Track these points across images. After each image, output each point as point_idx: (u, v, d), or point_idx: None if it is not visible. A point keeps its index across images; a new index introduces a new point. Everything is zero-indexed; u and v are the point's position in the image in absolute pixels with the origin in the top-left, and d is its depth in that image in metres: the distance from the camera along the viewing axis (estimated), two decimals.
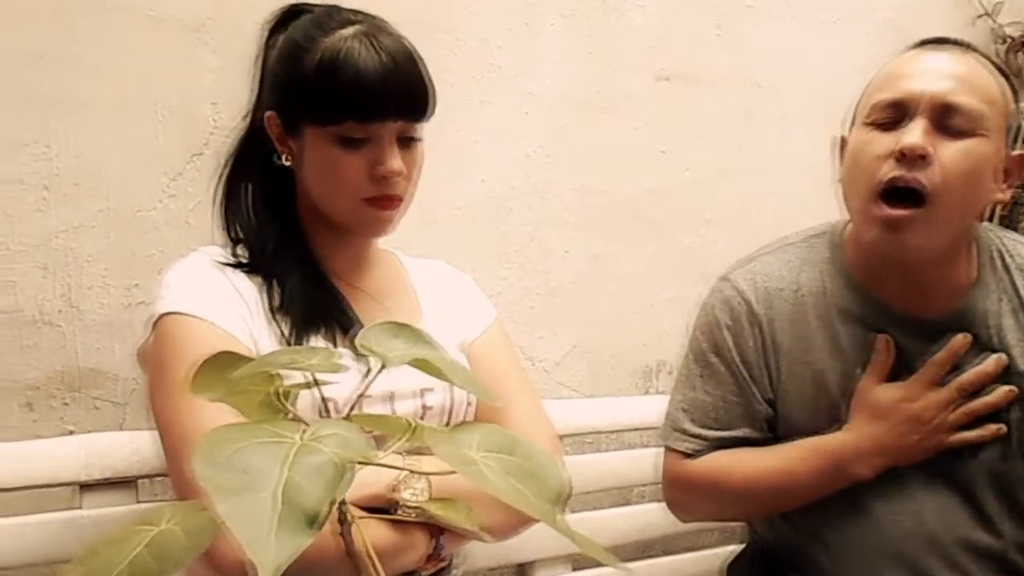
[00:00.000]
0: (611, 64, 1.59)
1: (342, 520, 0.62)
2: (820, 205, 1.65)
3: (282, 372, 0.64)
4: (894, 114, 1.04)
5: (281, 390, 0.65)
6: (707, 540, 1.64)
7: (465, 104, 1.47)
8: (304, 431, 0.56)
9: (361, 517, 0.67)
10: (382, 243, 1.22)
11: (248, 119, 1.10)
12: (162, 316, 0.98)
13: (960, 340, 1.09)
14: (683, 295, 1.68)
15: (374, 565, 0.59)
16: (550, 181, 1.55)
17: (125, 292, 1.26)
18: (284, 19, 1.10)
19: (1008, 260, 1.12)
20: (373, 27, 1.02)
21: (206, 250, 1.06)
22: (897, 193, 1.01)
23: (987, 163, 1.02)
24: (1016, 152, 1.08)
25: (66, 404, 1.24)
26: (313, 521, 0.50)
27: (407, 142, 1.03)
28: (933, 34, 1.97)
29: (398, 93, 0.99)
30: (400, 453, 0.92)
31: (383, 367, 0.63)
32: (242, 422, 0.60)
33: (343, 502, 0.61)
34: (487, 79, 1.48)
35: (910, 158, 1.00)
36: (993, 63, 1.08)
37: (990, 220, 1.89)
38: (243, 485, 0.50)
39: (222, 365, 0.65)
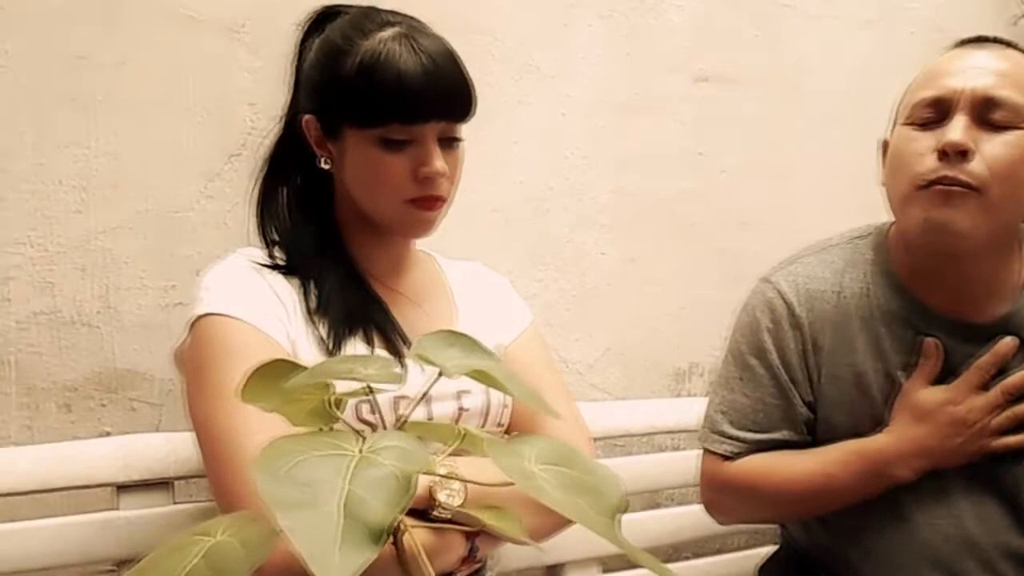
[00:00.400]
0: (649, 65, 1.57)
1: (396, 531, 0.61)
2: (857, 207, 1.63)
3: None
4: (935, 112, 1.04)
5: (333, 399, 0.65)
6: (737, 542, 1.63)
7: (503, 105, 1.46)
8: (363, 442, 0.55)
9: (413, 526, 0.66)
10: (420, 244, 1.21)
11: (283, 122, 1.10)
12: (200, 317, 0.98)
13: (1007, 343, 1.07)
14: (717, 297, 1.67)
15: (427, 570, 0.57)
16: (587, 183, 1.53)
17: (162, 293, 1.25)
18: (318, 21, 1.10)
19: None
20: (412, 28, 1.01)
21: (244, 252, 1.06)
22: (948, 184, 1.01)
23: None
24: None
25: (103, 405, 1.24)
26: (378, 536, 0.49)
27: (449, 142, 1.03)
28: (973, 34, 1.95)
29: (440, 94, 0.99)
30: (435, 455, 0.91)
31: (440, 375, 0.62)
32: (298, 433, 0.59)
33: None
34: (525, 80, 1.47)
35: (952, 155, 1.00)
36: None
37: None
38: (305, 499, 0.49)
39: (275, 373, 0.64)
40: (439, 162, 1.00)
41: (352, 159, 1.02)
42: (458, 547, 0.98)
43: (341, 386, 0.64)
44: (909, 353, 1.10)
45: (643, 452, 1.59)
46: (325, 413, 0.65)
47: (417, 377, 0.99)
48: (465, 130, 1.06)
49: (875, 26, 1.79)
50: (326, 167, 1.05)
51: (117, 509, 1.11)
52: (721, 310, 1.66)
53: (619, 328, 1.58)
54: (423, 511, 0.95)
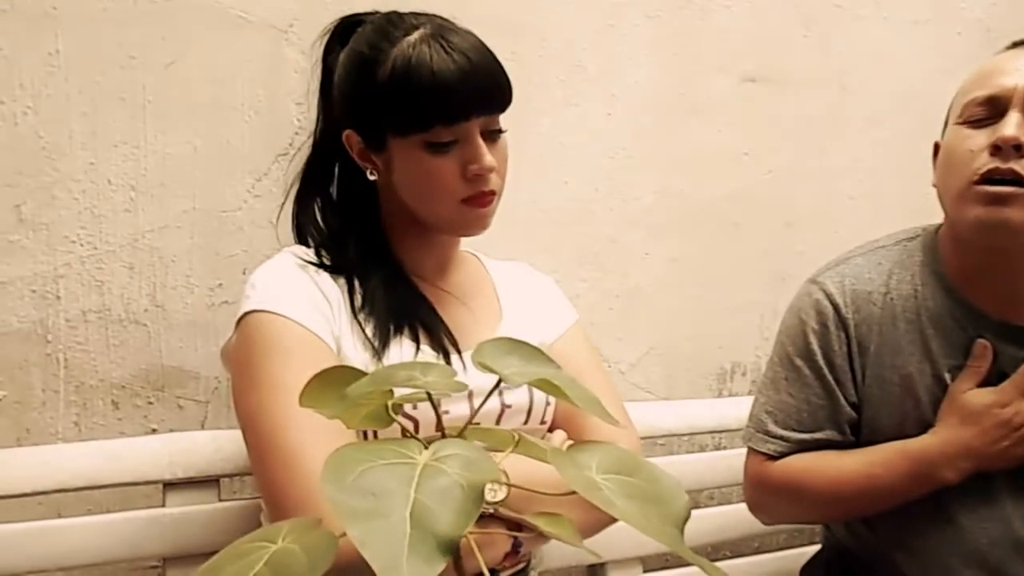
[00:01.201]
0: (696, 65, 1.55)
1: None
2: (905, 208, 1.61)
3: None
4: (989, 111, 1.04)
5: (391, 404, 0.64)
6: (777, 542, 1.62)
7: (550, 106, 1.45)
8: (427, 451, 0.55)
9: (472, 533, 0.65)
10: (465, 244, 1.21)
11: (314, 137, 1.11)
12: (247, 314, 0.99)
13: None
14: (760, 298, 1.65)
15: (480, 565, 0.57)
16: (632, 183, 1.52)
17: (209, 292, 1.26)
18: (338, 33, 1.10)
19: None
20: (438, 27, 1.00)
21: (291, 250, 1.07)
22: (996, 183, 1.01)
23: None
24: None
25: (150, 403, 1.25)
26: (447, 548, 0.49)
27: (492, 135, 1.02)
28: (1022, 33, 1.91)
29: (478, 89, 0.98)
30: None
31: (500, 382, 0.61)
32: (364, 442, 0.59)
33: None
34: (572, 80, 1.46)
35: (1005, 150, 1.00)
36: None
37: None
38: (374, 509, 0.49)
39: (334, 379, 0.64)
40: (488, 158, 1.00)
41: (400, 167, 1.02)
42: (502, 543, 0.99)
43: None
44: (958, 355, 1.10)
45: (685, 452, 1.59)
46: (379, 417, 0.65)
47: (460, 374, 0.99)
48: (512, 130, 1.06)
49: (924, 27, 1.76)
50: (373, 178, 1.05)
51: (163, 506, 1.12)
52: (765, 311, 1.65)
53: (662, 328, 1.57)
54: None
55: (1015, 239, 1.03)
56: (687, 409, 1.51)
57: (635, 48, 1.50)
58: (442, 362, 1.00)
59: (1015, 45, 1.09)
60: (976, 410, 1.06)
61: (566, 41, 1.45)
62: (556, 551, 1.33)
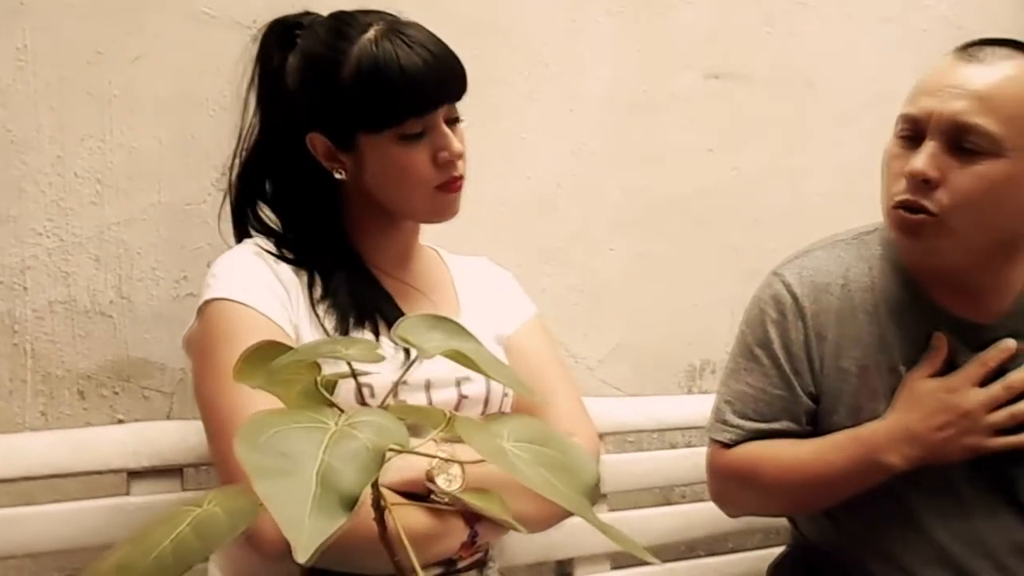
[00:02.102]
0: (659, 62, 1.57)
1: (377, 506, 0.62)
2: (872, 205, 1.62)
3: (325, 361, 0.65)
4: (913, 130, 1.03)
5: (321, 379, 0.66)
6: (751, 542, 1.62)
7: (512, 101, 1.47)
8: (341, 417, 0.57)
9: (395, 504, 0.67)
10: (427, 239, 1.23)
11: (249, 144, 1.12)
12: (207, 303, 1.02)
13: (1011, 344, 1.07)
14: (730, 295, 1.66)
15: (407, 550, 0.58)
16: (596, 179, 1.54)
17: (174, 284, 1.28)
18: (276, 35, 1.10)
19: None
20: (391, 23, 1.03)
21: (253, 240, 1.09)
22: (911, 208, 1.01)
23: (1009, 184, 0.99)
24: None
25: (116, 393, 1.27)
26: (349, 504, 0.51)
27: (454, 123, 1.06)
28: (992, 32, 1.92)
29: (443, 79, 1.02)
30: (436, 441, 0.93)
31: (417, 358, 0.63)
32: (282, 408, 0.61)
33: (378, 488, 0.61)
34: (534, 76, 1.48)
35: (915, 183, 1.00)
36: None
37: None
38: (282, 468, 0.51)
39: (265, 354, 0.67)
40: (456, 144, 1.04)
41: (373, 164, 1.05)
42: (458, 532, 1.01)
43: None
44: (914, 348, 1.10)
45: (655, 448, 1.60)
46: (316, 394, 0.67)
47: (418, 365, 1.01)
48: (474, 126, 1.10)
49: (890, 23, 1.78)
50: (340, 177, 1.07)
51: (128, 495, 1.14)
52: (735, 308, 1.66)
53: (629, 325, 1.59)
54: (423, 496, 0.97)
55: (933, 262, 1.06)
56: (656, 406, 1.53)
57: (598, 45, 1.52)
58: (401, 354, 1.02)
59: (964, 48, 1.06)
60: (921, 394, 1.07)
61: (528, 38, 1.47)
62: (522, 547, 1.35)
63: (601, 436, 1.43)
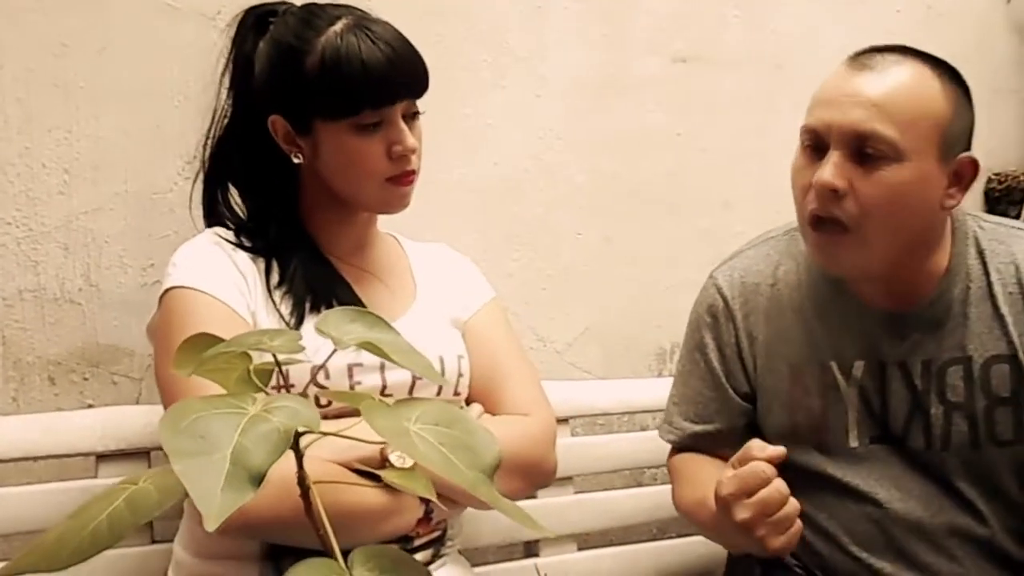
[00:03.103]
0: (625, 46, 1.58)
1: (302, 484, 0.64)
2: None
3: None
4: (815, 142, 1.04)
5: (253, 367, 0.69)
6: None
7: (477, 87, 1.48)
8: (259, 403, 0.59)
9: (327, 480, 0.69)
10: (392, 225, 1.25)
11: (221, 127, 1.15)
12: (167, 291, 1.05)
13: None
14: (699, 278, 1.66)
15: (326, 526, 0.61)
16: (562, 164, 1.56)
17: (141, 272, 1.30)
18: (251, 22, 1.14)
19: (984, 245, 1.11)
20: (360, 18, 1.07)
21: (212, 231, 1.12)
22: (823, 220, 1.02)
23: (911, 186, 1.00)
24: (963, 156, 1.04)
25: (86, 379, 1.29)
26: (258, 480, 0.54)
27: (412, 117, 1.10)
28: (964, 13, 1.92)
29: (403, 76, 1.06)
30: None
31: (335, 350, 0.66)
32: (209, 395, 0.64)
33: (302, 467, 0.64)
34: (499, 62, 1.49)
35: (823, 194, 1.01)
36: (934, 65, 1.04)
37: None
38: (200, 449, 0.55)
39: (199, 344, 0.70)
40: (411, 139, 1.08)
41: (327, 150, 1.08)
42: (413, 508, 1.04)
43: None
44: (842, 343, 1.12)
45: (625, 431, 1.62)
46: (246, 381, 0.70)
47: (349, 352, 1.04)
48: (438, 113, 1.13)
49: (861, 5, 1.78)
50: (298, 161, 1.10)
51: (96, 477, 1.17)
52: None
53: (598, 308, 1.60)
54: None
55: (851, 273, 1.07)
56: (625, 388, 1.54)
57: (563, 29, 1.53)
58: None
59: (853, 57, 1.06)
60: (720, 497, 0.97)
61: (493, 23, 1.48)
62: (491, 528, 1.37)
63: (568, 419, 1.46)
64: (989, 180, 1.93)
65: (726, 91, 1.68)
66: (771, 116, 1.72)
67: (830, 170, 1.00)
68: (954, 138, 1.03)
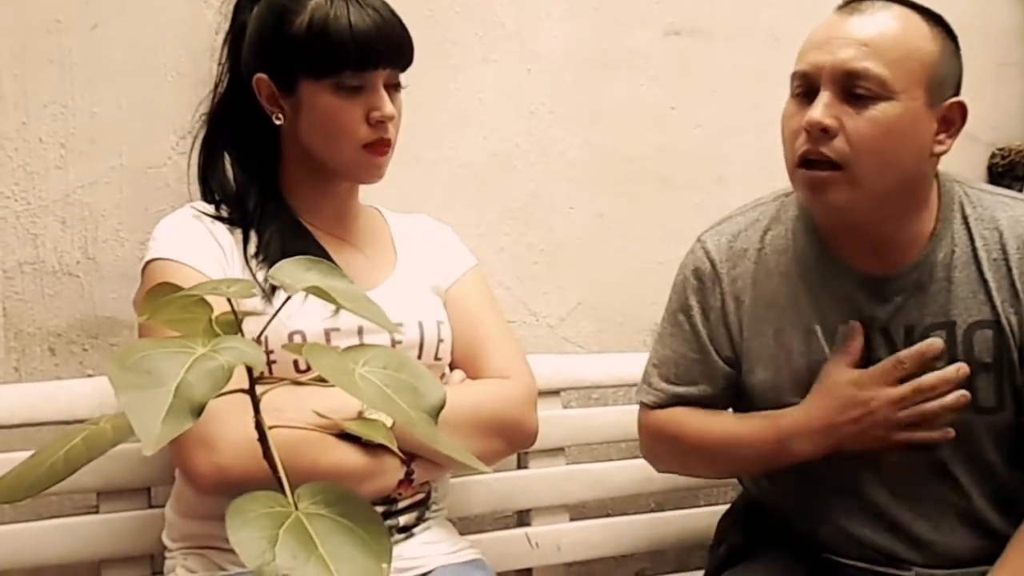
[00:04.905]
0: (617, 19, 1.59)
1: (259, 429, 0.66)
2: None
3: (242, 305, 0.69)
4: (806, 86, 1.05)
5: (215, 317, 0.71)
6: (714, 496, 1.65)
7: (467, 62, 1.49)
8: (209, 344, 0.61)
9: (285, 425, 0.72)
10: (377, 197, 1.27)
11: (222, 86, 1.19)
12: (148, 263, 1.09)
13: (932, 344, 1.07)
14: None
15: (279, 469, 0.63)
16: (554, 138, 1.56)
17: (138, 245, 1.32)
18: None
19: (969, 211, 1.12)
20: None
21: (192, 204, 1.16)
22: (814, 162, 1.03)
23: (901, 124, 1.02)
24: (952, 100, 1.06)
25: (85, 350, 1.32)
26: (197, 412, 0.56)
27: (394, 89, 1.12)
28: None
29: (387, 43, 1.09)
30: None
31: (289, 297, 0.67)
32: (160, 338, 0.66)
33: (259, 412, 0.66)
34: (489, 36, 1.50)
35: (814, 134, 1.02)
36: (922, 12, 1.06)
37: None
38: (145, 383, 0.57)
39: (163, 293, 0.72)
40: (389, 106, 1.10)
41: (308, 110, 1.11)
42: (394, 470, 1.06)
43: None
44: (825, 306, 1.13)
45: (621, 404, 1.62)
46: (209, 332, 0.72)
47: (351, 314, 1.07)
48: (428, 87, 1.16)
49: None
50: (279, 122, 1.13)
51: None
52: None
53: (590, 283, 1.61)
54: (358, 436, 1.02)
55: (842, 217, 1.07)
56: (617, 362, 1.54)
57: (555, 3, 1.54)
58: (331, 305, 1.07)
59: (840, 8, 1.08)
60: (837, 388, 1.09)
61: None
62: (482, 497, 1.39)
63: (560, 391, 1.47)
64: (992, 155, 1.91)
65: (720, 65, 1.67)
66: (766, 90, 1.70)
67: (820, 109, 1.02)
68: (942, 81, 1.05)
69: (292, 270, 0.68)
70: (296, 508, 0.58)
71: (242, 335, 0.69)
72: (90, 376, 1.32)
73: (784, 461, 1.13)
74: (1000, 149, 1.91)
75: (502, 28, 1.51)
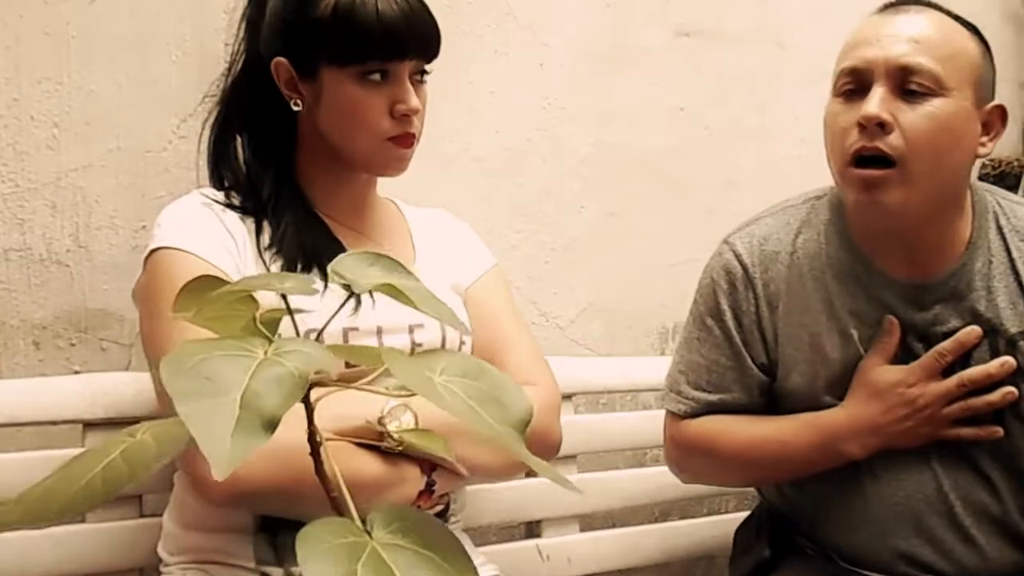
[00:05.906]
0: (629, 17, 1.56)
1: (313, 440, 0.61)
2: None
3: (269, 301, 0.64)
4: (856, 83, 1.04)
5: (260, 314, 0.65)
6: (726, 505, 1.63)
7: (480, 54, 1.45)
8: (270, 347, 0.55)
9: (331, 439, 0.66)
10: (391, 191, 1.21)
11: (238, 68, 1.12)
12: (152, 252, 1.03)
13: (970, 333, 1.07)
14: (703, 257, 1.63)
15: (341, 486, 0.57)
16: (566, 135, 1.53)
17: (133, 233, 1.26)
18: None
19: (1003, 221, 1.11)
20: None
21: (200, 191, 1.10)
22: (867, 160, 1.02)
23: (954, 120, 1.02)
24: (992, 104, 1.07)
25: (73, 344, 1.24)
26: (271, 427, 0.50)
27: (419, 81, 1.07)
28: (958, 1, 1.91)
29: (415, 33, 1.04)
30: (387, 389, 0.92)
31: (352, 294, 0.62)
32: (210, 338, 0.60)
33: (312, 423, 0.60)
34: (503, 29, 1.46)
35: (870, 128, 1.01)
36: (957, 18, 1.07)
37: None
38: (206, 391, 0.51)
39: (203, 288, 0.65)
40: (415, 99, 1.05)
41: (329, 98, 1.05)
42: (414, 480, 1.01)
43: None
44: (862, 313, 1.11)
45: (628, 410, 1.59)
46: (255, 331, 0.66)
47: (369, 312, 1.02)
48: (441, 78, 1.10)
49: None
50: (296, 109, 1.07)
51: (83, 446, 1.12)
52: None
53: (601, 284, 1.58)
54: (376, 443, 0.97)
55: (892, 220, 1.05)
56: (628, 366, 1.52)
57: None
58: (352, 301, 1.01)
59: (881, 10, 1.09)
60: (882, 387, 1.08)
61: None
62: (493, 507, 1.34)
63: (571, 396, 1.43)
64: (983, 166, 1.94)
65: (729, 67, 1.66)
66: (774, 94, 1.70)
67: (876, 103, 1.01)
68: (987, 83, 1.06)
69: (355, 265, 0.62)
70: (371, 537, 0.52)
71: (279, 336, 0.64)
72: (77, 372, 1.24)
73: (828, 464, 1.11)
74: (991, 160, 1.94)
75: (515, 21, 1.47)
